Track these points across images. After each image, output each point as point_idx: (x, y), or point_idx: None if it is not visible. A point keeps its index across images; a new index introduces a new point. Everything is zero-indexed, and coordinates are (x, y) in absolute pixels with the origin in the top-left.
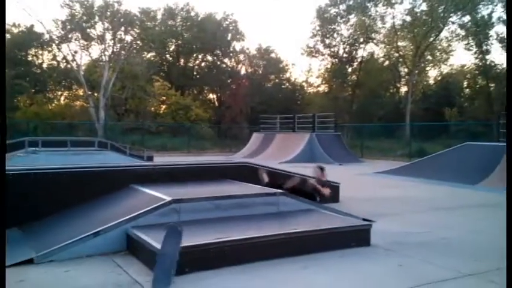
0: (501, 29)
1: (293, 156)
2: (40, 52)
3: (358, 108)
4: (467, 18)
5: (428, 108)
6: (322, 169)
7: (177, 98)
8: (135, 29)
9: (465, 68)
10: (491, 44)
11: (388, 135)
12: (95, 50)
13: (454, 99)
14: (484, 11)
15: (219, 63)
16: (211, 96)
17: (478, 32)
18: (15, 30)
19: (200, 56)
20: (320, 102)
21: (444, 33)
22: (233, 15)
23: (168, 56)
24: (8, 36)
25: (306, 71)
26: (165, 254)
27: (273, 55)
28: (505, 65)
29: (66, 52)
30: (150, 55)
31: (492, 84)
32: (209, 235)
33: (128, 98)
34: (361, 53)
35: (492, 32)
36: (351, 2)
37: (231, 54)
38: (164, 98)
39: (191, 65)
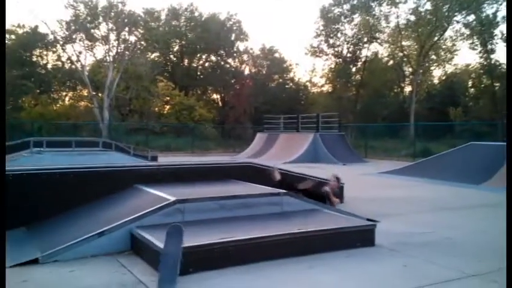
0: None
1: (297, 156)
2: (45, 53)
3: (362, 108)
4: (472, 17)
5: (433, 107)
6: (338, 179)
7: (181, 98)
8: (139, 30)
9: (470, 67)
10: (496, 43)
11: (392, 135)
12: (99, 51)
13: (459, 99)
14: (488, 10)
15: (222, 63)
16: (215, 96)
17: (483, 31)
18: (20, 31)
19: (204, 56)
20: (324, 102)
21: (449, 33)
22: (237, 15)
23: (172, 56)
24: (12, 37)
25: (310, 70)
26: (169, 254)
27: (276, 55)
28: None
29: (70, 53)
30: (154, 55)
31: (497, 84)
32: (213, 235)
33: (132, 98)
34: (365, 52)
35: (497, 31)
36: (354, 2)
37: (235, 55)
38: (168, 98)
39: (195, 65)
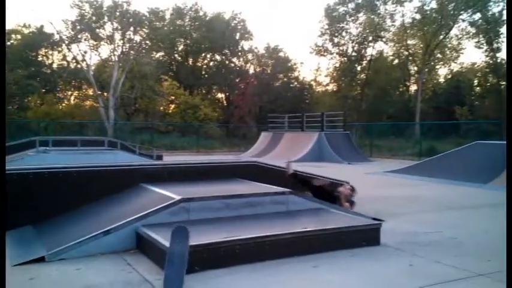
0: None
1: (302, 156)
2: (50, 52)
3: (367, 107)
4: (477, 16)
5: (439, 106)
6: (353, 190)
7: (186, 97)
8: (144, 29)
9: (476, 66)
10: (502, 41)
11: (397, 134)
12: (105, 50)
13: (465, 98)
14: (494, 8)
15: (227, 62)
16: (220, 95)
17: (489, 30)
18: (25, 31)
19: (209, 56)
20: (329, 101)
21: (454, 31)
22: (241, 14)
23: (176, 55)
24: (18, 36)
25: (315, 69)
26: (175, 254)
27: (281, 54)
28: None
29: (76, 52)
30: (159, 55)
31: (503, 83)
32: (219, 234)
33: (137, 97)
34: (370, 51)
35: (503, 30)
36: (359, 1)
37: (240, 54)
38: (173, 97)
39: (200, 64)
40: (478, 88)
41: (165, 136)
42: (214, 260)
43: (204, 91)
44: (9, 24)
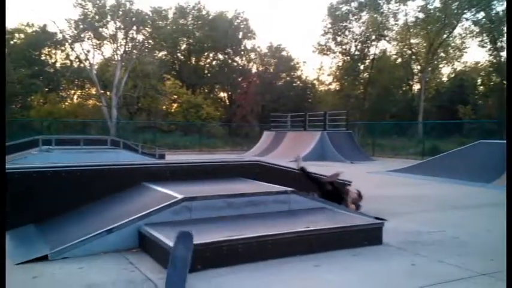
0: None
1: (304, 155)
2: (53, 51)
3: (370, 106)
4: (481, 15)
5: (442, 106)
6: (360, 196)
7: (188, 96)
8: (146, 28)
9: (479, 65)
10: None
11: (400, 133)
12: (107, 49)
13: (468, 97)
14: (498, 7)
15: (230, 61)
16: (222, 94)
17: (493, 29)
18: (29, 30)
19: (211, 55)
20: (331, 100)
21: (458, 30)
22: (244, 13)
23: (179, 54)
24: (21, 35)
25: (318, 68)
26: (178, 258)
27: (284, 53)
28: None
29: (79, 51)
30: (161, 54)
31: None
32: (221, 233)
33: (139, 96)
34: (373, 50)
35: None
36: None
37: (242, 53)
38: (175, 96)
39: (202, 63)
40: (481, 87)
41: (167, 135)
42: (217, 259)
43: (206, 90)
44: (13, 23)
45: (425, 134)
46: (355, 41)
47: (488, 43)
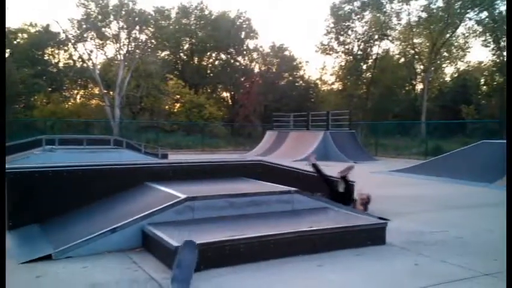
0: None
1: (307, 154)
2: (56, 51)
3: (373, 106)
4: (484, 14)
5: (445, 105)
6: (369, 199)
7: (191, 96)
8: (149, 28)
9: (482, 64)
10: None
11: (403, 133)
12: (110, 49)
13: (471, 97)
14: (502, 6)
15: (232, 61)
16: (225, 94)
17: (496, 28)
18: (32, 30)
19: (214, 55)
20: (334, 100)
21: (461, 30)
22: (246, 13)
23: (182, 54)
24: (25, 35)
25: (320, 68)
26: (184, 259)
27: (286, 53)
28: None
29: (82, 51)
30: (164, 54)
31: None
32: (224, 233)
33: (142, 96)
34: (376, 50)
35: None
36: None
37: (245, 53)
38: (178, 96)
39: (205, 63)
40: (484, 87)
41: (170, 135)
42: (219, 259)
43: (209, 90)
44: (16, 23)
45: (428, 133)
46: (358, 41)
47: (492, 43)
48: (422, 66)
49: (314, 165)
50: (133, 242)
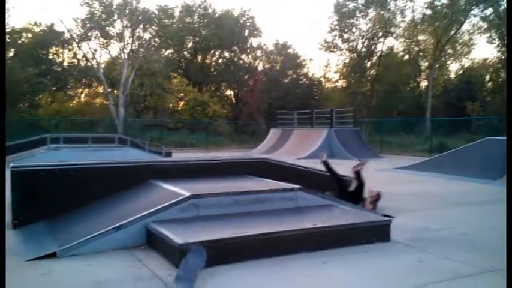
0: None
1: (311, 152)
2: (61, 50)
3: (377, 103)
4: (489, 11)
5: (450, 102)
6: (379, 196)
7: (195, 94)
8: (153, 27)
9: (487, 61)
10: None
11: (408, 130)
12: (114, 48)
13: (476, 94)
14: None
15: (236, 59)
16: (229, 92)
17: (501, 25)
18: (36, 29)
19: (217, 53)
20: (338, 98)
21: (465, 26)
22: (250, 11)
23: (185, 52)
24: (29, 35)
25: (324, 66)
26: (191, 260)
27: (290, 50)
28: None
29: (86, 50)
30: (168, 52)
31: None
32: (228, 230)
33: (146, 95)
34: (380, 47)
35: None
36: None
37: (248, 51)
38: (182, 94)
39: (208, 61)
40: (489, 84)
41: (174, 133)
42: (223, 256)
43: (213, 88)
44: (20, 23)
45: (433, 130)
46: (362, 38)
47: (497, 39)
48: (426, 63)
49: (325, 163)
50: (138, 240)
